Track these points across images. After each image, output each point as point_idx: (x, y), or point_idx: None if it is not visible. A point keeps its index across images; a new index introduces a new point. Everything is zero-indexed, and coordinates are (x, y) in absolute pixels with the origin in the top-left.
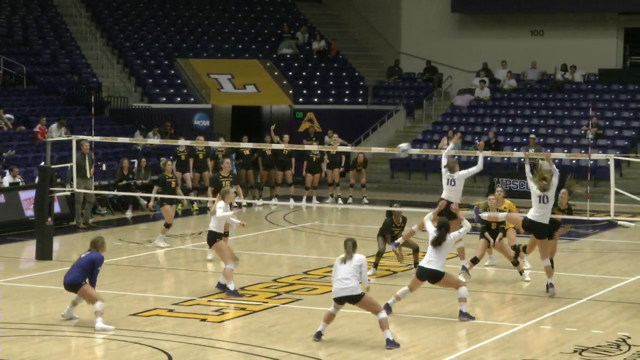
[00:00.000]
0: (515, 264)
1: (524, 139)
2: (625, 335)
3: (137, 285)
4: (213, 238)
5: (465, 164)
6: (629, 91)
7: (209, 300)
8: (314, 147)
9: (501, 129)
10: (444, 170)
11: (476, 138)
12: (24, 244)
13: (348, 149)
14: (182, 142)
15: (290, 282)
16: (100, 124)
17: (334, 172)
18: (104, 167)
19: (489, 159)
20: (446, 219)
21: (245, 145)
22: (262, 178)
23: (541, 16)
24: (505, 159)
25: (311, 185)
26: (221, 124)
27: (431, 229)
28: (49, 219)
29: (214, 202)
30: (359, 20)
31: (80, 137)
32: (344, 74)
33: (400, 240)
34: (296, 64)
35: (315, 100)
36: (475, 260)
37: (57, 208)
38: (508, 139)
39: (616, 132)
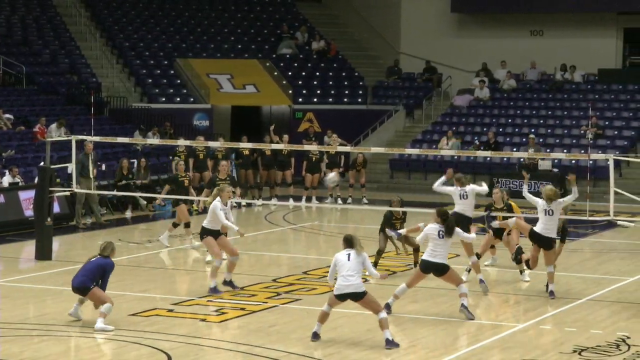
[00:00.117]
0: (518, 262)
1: (524, 139)
2: (625, 335)
3: (137, 285)
4: (203, 233)
5: (465, 164)
6: (628, 91)
7: (208, 300)
8: (313, 147)
9: (501, 129)
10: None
11: (476, 138)
12: (23, 244)
13: (347, 149)
14: (182, 142)
15: (289, 282)
16: (100, 124)
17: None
18: (103, 167)
19: (488, 159)
20: (446, 209)
21: (245, 145)
22: (261, 178)
23: (541, 16)
24: (505, 159)
25: (311, 185)
26: (221, 124)
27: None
28: (49, 219)
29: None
30: (358, 20)
31: (80, 137)
32: (344, 74)
33: (403, 231)
34: (296, 64)
35: (315, 100)
36: (477, 256)
37: (56, 208)
38: (507, 139)
39: (616, 132)
